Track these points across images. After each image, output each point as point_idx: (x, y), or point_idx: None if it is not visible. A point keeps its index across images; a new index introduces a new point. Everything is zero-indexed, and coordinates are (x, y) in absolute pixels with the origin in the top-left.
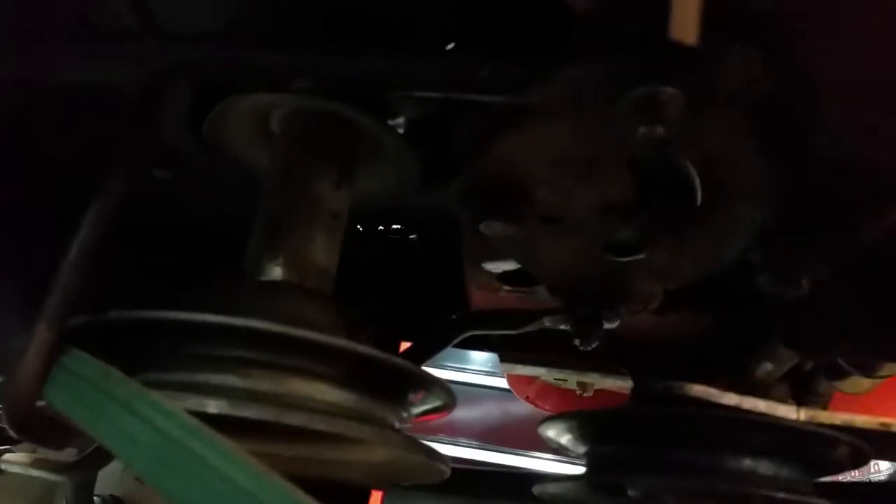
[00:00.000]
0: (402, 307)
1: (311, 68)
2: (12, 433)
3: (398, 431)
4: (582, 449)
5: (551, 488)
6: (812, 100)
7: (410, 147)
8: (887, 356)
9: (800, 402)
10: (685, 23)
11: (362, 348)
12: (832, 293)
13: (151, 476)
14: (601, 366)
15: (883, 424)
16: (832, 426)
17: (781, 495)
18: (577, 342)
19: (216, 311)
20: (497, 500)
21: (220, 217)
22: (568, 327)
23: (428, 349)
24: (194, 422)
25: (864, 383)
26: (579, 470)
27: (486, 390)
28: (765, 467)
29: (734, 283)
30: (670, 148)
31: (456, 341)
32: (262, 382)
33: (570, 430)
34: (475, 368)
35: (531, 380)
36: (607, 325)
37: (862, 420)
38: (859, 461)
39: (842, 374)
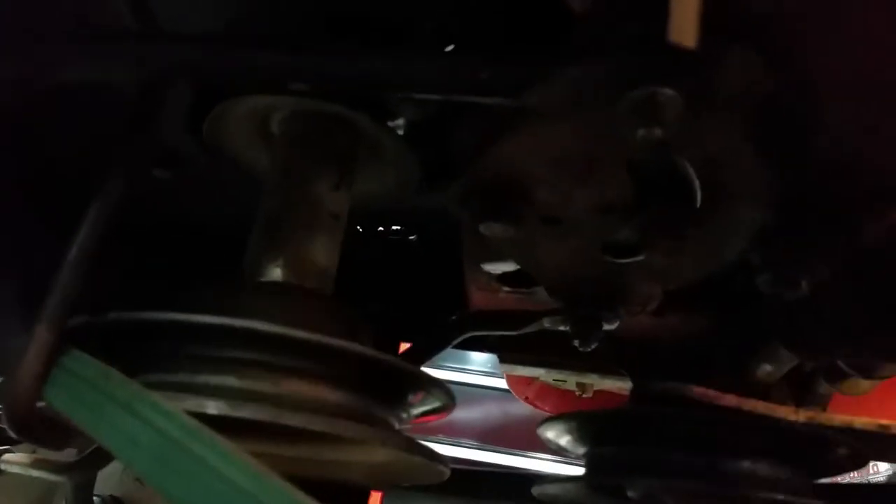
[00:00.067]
0: (401, 308)
1: (310, 68)
2: (12, 433)
3: (398, 432)
4: (581, 450)
5: (550, 489)
6: (812, 101)
7: (410, 148)
8: (888, 357)
9: (799, 404)
10: (684, 26)
11: (362, 349)
12: (832, 294)
13: (152, 477)
14: (600, 367)
15: (882, 426)
16: (831, 427)
17: (780, 497)
18: (576, 343)
19: (216, 312)
20: (497, 501)
21: (220, 217)
22: (567, 328)
23: (428, 350)
24: (194, 423)
25: (863, 385)
26: (579, 471)
27: (486, 391)
28: (764, 469)
29: (734, 284)
30: (669, 149)
31: (456, 342)
32: (262, 383)
33: (569, 431)
34: (475, 369)
35: (530, 380)
36: (606, 326)
37: (861, 421)
38: (858, 463)
39: (841, 377)
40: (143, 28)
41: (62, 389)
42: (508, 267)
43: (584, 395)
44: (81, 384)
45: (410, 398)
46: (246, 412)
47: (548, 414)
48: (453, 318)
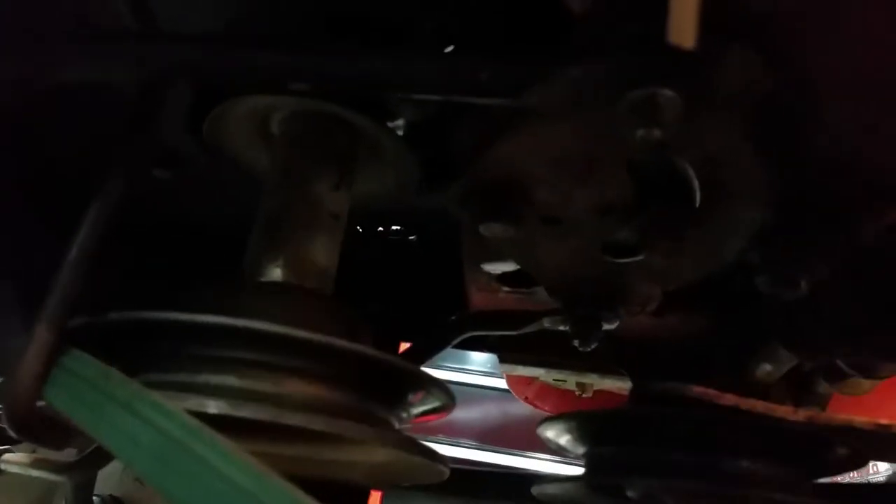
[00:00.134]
0: (401, 308)
1: (310, 68)
2: (12, 433)
3: (398, 432)
4: (581, 450)
5: (550, 489)
6: (812, 100)
7: (410, 149)
8: (887, 357)
9: (798, 404)
10: (683, 25)
11: (362, 349)
12: (832, 293)
13: (152, 477)
14: (600, 367)
15: (881, 426)
16: (831, 427)
17: (780, 497)
18: (576, 343)
19: (216, 312)
20: (496, 501)
21: (220, 217)
22: (567, 328)
23: (427, 350)
24: (195, 422)
25: (863, 384)
26: (578, 471)
27: (486, 391)
28: (763, 468)
29: (733, 284)
30: (669, 150)
31: (455, 342)
32: (262, 383)
33: (569, 431)
34: (475, 369)
35: (530, 380)
36: (606, 326)
37: (860, 421)
38: (858, 462)
39: (841, 376)
40: (143, 28)
41: (62, 389)
42: (508, 267)
43: (584, 395)
44: (81, 384)
45: (410, 398)
46: (246, 412)
47: (547, 414)
48: (453, 318)
